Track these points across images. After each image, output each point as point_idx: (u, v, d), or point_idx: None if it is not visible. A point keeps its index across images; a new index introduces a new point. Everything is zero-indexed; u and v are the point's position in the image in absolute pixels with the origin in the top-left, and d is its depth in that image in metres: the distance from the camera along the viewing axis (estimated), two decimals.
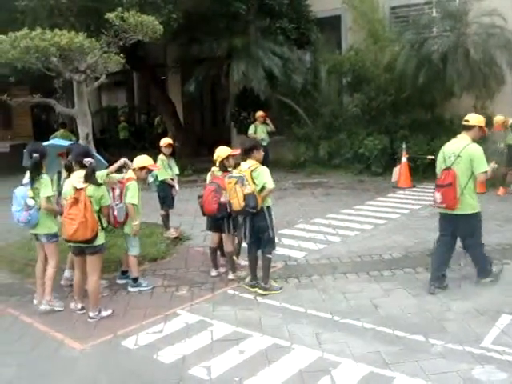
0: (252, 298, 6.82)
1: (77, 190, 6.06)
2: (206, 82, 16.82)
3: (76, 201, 6.01)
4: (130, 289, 7.24)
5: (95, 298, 6.34)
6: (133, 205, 7.01)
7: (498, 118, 12.28)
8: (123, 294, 7.18)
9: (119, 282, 7.52)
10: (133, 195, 7.01)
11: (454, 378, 4.70)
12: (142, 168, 7.30)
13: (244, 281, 7.29)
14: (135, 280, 7.26)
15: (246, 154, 6.92)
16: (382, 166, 15.06)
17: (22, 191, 6.44)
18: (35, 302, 6.83)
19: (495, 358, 5.03)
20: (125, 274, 7.50)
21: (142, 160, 7.40)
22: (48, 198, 6.41)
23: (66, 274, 7.32)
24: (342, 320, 6.01)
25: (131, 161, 7.43)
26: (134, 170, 7.27)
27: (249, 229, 6.90)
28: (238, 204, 6.67)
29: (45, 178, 6.49)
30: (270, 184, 6.73)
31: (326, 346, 5.40)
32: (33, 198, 6.39)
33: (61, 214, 6.44)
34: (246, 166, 6.80)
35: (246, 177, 6.65)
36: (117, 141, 24.40)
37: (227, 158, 7.45)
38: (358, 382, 4.73)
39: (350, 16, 16.71)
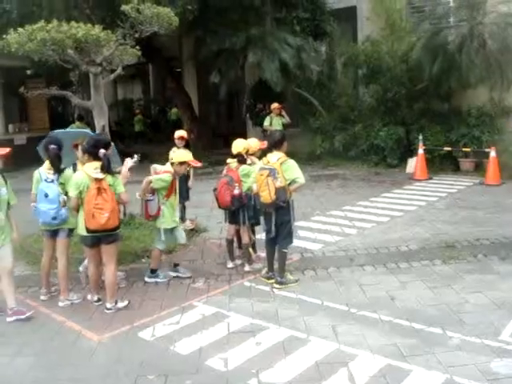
0: (268, 289, 6.82)
1: (97, 180, 6.07)
2: (228, 73, 16.76)
3: (99, 191, 6.02)
4: (147, 279, 7.27)
5: (112, 289, 6.36)
6: (153, 187, 7.00)
7: None
8: (140, 285, 7.22)
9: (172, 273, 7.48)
10: (157, 179, 7.02)
11: (471, 371, 4.66)
12: (181, 163, 7.22)
13: (261, 273, 7.30)
14: (153, 271, 7.29)
15: (276, 145, 6.90)
16: (397, 158, 14.99)
17: (54, 189, 6.38)
18: (42, 297, 6.85)
19: None
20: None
21: (182, 155, 7.38)
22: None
23: (86, 262, 7.33)
24: (359, 312, 5.99)
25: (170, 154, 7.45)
26: (172, 164, 7.22)
27: (274, 222, 6.88)
28: (269, 197, 6.63)
29: (67, 171, 6.53)
30: (302, 179, 6.76)
31: (342, 338, 5.39)
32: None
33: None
34: (275, 158, 6.75)
35: (277, 169, 6.63)
36: (132, 133, 24.50)
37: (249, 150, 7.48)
38: (374, 375, 4.71)
39: (365, 7, 16.59)
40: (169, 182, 7.04)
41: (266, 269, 7.25)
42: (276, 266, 7.11)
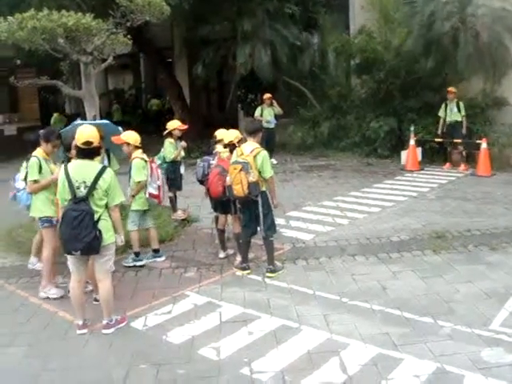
0: (260, 279, 6.82)
1: None
2: (214, 64, 16.72)
3: None
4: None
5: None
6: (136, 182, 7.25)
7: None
8: (131, 275, 7.21)
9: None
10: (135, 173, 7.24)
11: (462, 360, 4.70)
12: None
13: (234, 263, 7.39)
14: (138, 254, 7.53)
15: (253, 133, 6.94)
16: (388, 149, 14.98)
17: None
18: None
19: (504, 340, 5.03)
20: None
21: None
22: (34, 181, 6.39)
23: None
24: (351, 302, 6.02)
25: None
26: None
27: (255, 214, 6.91)
28: (241, 191, 6.63)
29: (31, 160, 6.45)
30: (269, 173, 6.78)
31: (334, 328, 5.41)
32: (24, 180, 6.48)
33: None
34: (249, 149, 6.76)
35: (250, 164, 6.63)
36: (121, 123, 24.37)
37: (241, 140, 7.46)
38: (366, 363, 4.74)
39: None
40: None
41: (239, 259, 7.29)
42: (250, 256, 7.30)
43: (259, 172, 6.70)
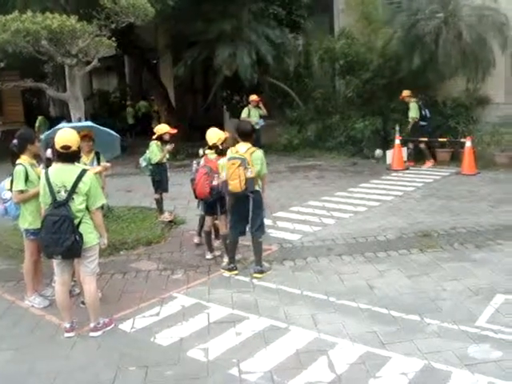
0: (248, 280, 6.83)
1: None
2: (198, 65, 16.69)
3: None
4: None
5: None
6: None
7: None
8: (119, 277, 7.18)
9: None
10: None
11: (449, 357, 4.73)
12: None
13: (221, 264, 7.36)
14: None
15: (246, 136, 6.91)
16: (374, 149, 15.02)
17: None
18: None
19: (490, 336, 5.07)
20: None
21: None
22: (20, 191, 6.03)
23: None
24: (338, 301, 6.04)
25: None
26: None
27: (246, 213, 6.90)
28: (238, 186, 6.62)
29: (17, 168, 6.06)
30: (264, 170, 6.84)
31: (322, 327, 5.43)
32: (10, 189, 6.12)
33: None
34: (244, 148, 6.76)
35: (247, 160, 6.64)
36: (108, 126, 24.22)
37: (225, 140, 7.44)
38: (354, 362, 4.76)
39: None
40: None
41: (226, 260, 7.29)
42: (238, 256, 7.30)
43: (258, 169, 6.71)
